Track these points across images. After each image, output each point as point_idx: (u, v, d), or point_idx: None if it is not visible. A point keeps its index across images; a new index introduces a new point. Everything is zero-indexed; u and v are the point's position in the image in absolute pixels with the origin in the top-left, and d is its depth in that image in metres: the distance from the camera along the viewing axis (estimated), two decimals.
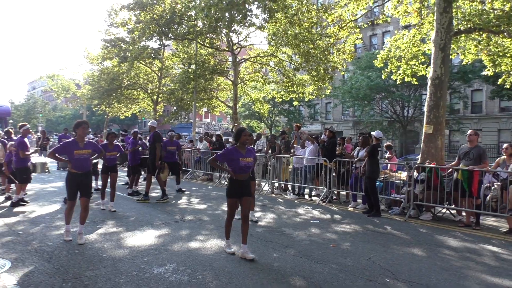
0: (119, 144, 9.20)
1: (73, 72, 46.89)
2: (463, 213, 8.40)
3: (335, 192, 10.74)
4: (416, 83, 18.61)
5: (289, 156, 11.75)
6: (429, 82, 13.20)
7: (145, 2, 17.84)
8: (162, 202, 9.76)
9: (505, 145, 7.72)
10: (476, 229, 7.64)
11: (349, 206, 9.94)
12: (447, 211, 8.97)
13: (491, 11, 13.89)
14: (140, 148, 11.49)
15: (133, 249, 5.66)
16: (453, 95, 34.73)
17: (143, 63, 24.70)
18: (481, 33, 14.58)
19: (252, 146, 5.56)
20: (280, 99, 23.51)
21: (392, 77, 18.45)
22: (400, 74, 17.57)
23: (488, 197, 7.55)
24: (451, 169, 8.35)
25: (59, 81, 35.58)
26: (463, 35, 15.22)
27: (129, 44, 20.92)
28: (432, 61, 13.15)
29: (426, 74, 18.24)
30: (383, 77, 19.07)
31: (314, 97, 22.89)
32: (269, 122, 43.66)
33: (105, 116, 36.02)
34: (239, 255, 5.29)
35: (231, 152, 5.31)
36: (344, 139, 11.67)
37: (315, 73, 18.94)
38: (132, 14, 19.26)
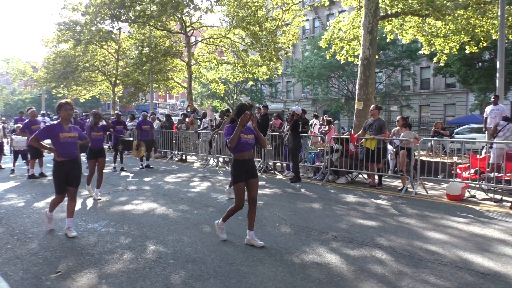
0: (105, 124, 8.61)
1: (29, 55, 45.48)
2: (376, 176, 9.80)
3: (273, 163, 11.99)
4: (358, 63, 19.92)
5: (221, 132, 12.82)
6: (359, 62, 14.54)
7: None
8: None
9: (398, 118, 9.10)
10: (378, 189, 9.06)
11: (283, 174, 11.21)
12: (360, 175, 10.38)
13: None
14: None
15: (75, 212, 6.66)
16: (404, 73, 36.69)
17: (98, 45, 24.94)
18: (406, 16, 15.90)
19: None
20: (235, 80, 24.47)
21: (336, 57, 19.73)
22: (343, 54, 18.87)
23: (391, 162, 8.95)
24: (363, 140, 9.69)
25: (15, 64, 35.09)
26: (393, 18, 16.51)
27: (83, 27, 21.21)
28: (361, 43, 14.46)
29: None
30: (327, 57, 20.33)
31: (267, 76, 23.94)
32: (231, 101, 44.56)
33: (65, 99, 35.87)
34: (245, 242, 4.98)
35: (231, 127, 4.89)
36: (272, 116, 12.87)
37: (265, 54, 19.98)
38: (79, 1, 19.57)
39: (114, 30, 22.81)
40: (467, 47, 17.36)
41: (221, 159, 13.45)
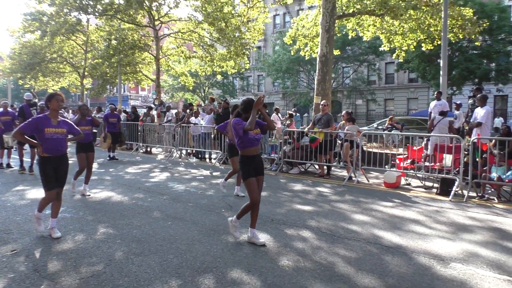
0: (92, 117, 7.99)
1: None
2: (325, 167, 10.53)
3: None
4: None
5: (185, 125, 13.30)
6: (317, 59, 15.24)
7: None
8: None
9: (343, 112, 9.84)
10: (326, 178, 9.79)
11: None
12: (312, 166, 11.11)
13: None
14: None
15: (34, 200, 7.07)
16: (369, 68, 37.90)
17: (65, 37, 24.81)
18: (362, 15, 16.69)
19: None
20: (203, 73, 24.86)
21: (300, 53, 20.44)
22: (307, 50, 19.57)
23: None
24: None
25: None
26: (351, 17, 17.28)
27: (49, 18, 21.13)
28: (320, 41, 15.15)
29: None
30: (292, 53, 21.00)
31: (235, 71, 24.42)
32: (203, 94, 44.83)
33: (32, 90, 35.34)
34: (246, 239, 4.94)
35: (239, 120, 4.81)
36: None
37: (232, 49, 20.47)
38: None
39: (83, 22, 22.80)
40: (423, 44, 18.23)
41: (183, 151, 13.94)
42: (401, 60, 21.92)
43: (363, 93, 37.28)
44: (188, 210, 6.44)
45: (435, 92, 12.80)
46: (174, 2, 18.41)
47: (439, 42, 17.95)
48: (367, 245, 4.85)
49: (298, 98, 38.20)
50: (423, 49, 19.24)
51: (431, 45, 18.25)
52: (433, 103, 12.67)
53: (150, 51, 23.20)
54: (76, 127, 5.47)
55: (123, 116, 16.82)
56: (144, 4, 16.16)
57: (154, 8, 19.96)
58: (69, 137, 5.30)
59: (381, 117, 36.18)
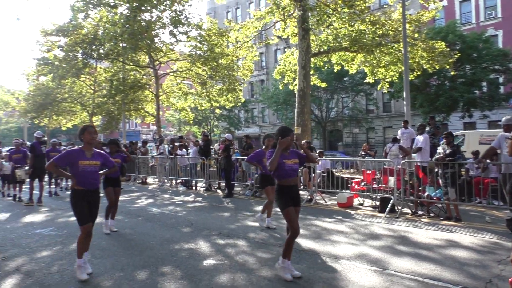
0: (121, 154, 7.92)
1: (14, 85, 46.28)
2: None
3: (217, 182, 13.86)
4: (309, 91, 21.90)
5: (173, 156, 14.64)
6: (296, 93, 16.67)
7: (66, 28, 20.29)
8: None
9: (303, 142, 11.07)
10: None
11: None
12: None
13: (343, 36, 17.42)
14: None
15: (29, 223, 8.41)
16: (368, 97, 39.27)
17: (75, 78, 26.91)
18: (335, 53, 18.16)
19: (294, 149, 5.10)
20: (202, 108, 26.54)
21: (289, 87, 21.94)
22: (295, 84, 21.05)
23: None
24: None
25: None
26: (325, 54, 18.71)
27: (60, 62, 23.21)
28: (298, 76, 16.64)
29: (318, 83, 22.02)
30: (280, 87, 22.56)
31: (232, 104, 26.00)
32: (209, 127, 46.61)
33: (46, 128, 37.57)
34: (276, 266, 4.84)
35: (272, 152, 4.73)
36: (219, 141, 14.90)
37: (225, 86, 22.14)
38: (55, 40, 21.66)
39: (91, 63, 24.86)
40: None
41: (173, 181, 15.29)
42: (385, 91, 23.16)
43: (360, 122, 38.48)
44: (154, 228, 7.69)
45: (402, 121, 13.98)
46: (172, 44, 20.35)
47: (418, 73, 19.35)
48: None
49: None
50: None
51: (411, 75, 19.54)
52: (399, 131, 13.86)
53: (150, 90, 25.05)
54: (111, 159, 5.42)
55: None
56: (137, 49, 17.92)
57: (152, 51, 21.83)
58: (103, 170, 5.32)
59: (380, 145, 37.19)
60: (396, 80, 22.13)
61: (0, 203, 11.37)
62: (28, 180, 11.70)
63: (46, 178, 14.33)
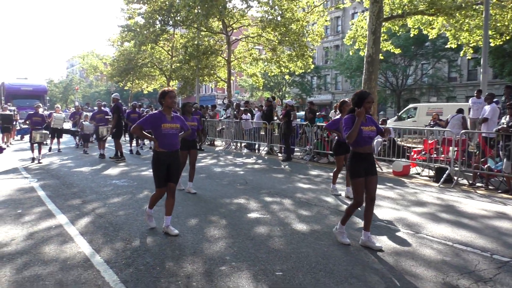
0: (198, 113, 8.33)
1: (99, 53, 49.42)
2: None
3: (279, 146, 14.35)
4: (382, 57, 20.97)
5: (238, 120, 15.31)
6: (364, 59, 16.29)
7: None
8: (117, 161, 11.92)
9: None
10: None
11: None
12: None
13: None
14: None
15: (107, 175, 9.61)
16: (451, 64, 36.65)
17: (154, 44, 28.54)
18: (410, 17, 17.21)
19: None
20: (272, 74, 26.85)
21: (360, 53, 21.38)
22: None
23: None
24: None
25: (89, 60, 40.38)
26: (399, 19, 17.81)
27: (140, 29, 24.80)
28: (367, 42, 16.18)
29: (391, 49, 21.19)
30: (350, 53, 21.96)
31: (302, 71, 25.92)
32: (280, 93, 46.89)
33: (130, 91, 40.58)
34: (360, 243, 4.70)
35: (350, 118, 4.54)
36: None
37: (293, 52, 22.15)
38: (137, 7, 23.10)
39: (169, 30, 26.22)
40: (491, 40, 17.82)
41: (238, 144, 16.06)
42: (469, 57, 21.64)
43: (440, 90, 36.23)
44: (212, 184, 8.42)
45: (475, 91, 13.18)
46: (244, 10, 20.81)
47: (507, 37, 17.79)
48: (324, 209, 6.36)
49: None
50: (491, 44, 18.96)
51: (499, 40, 18.04)
52: (471, 100, 13.13)
53: (223, 56, 25.79)
54: (186, 123, 5.54)
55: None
56: (209, 15, 18.52)
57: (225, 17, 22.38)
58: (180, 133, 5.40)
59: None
60: (482, 45, 20.44)
61: (86, 158, 12.89)
62: (111, 138, 12.65)
63: (127, 138, 15.85)
